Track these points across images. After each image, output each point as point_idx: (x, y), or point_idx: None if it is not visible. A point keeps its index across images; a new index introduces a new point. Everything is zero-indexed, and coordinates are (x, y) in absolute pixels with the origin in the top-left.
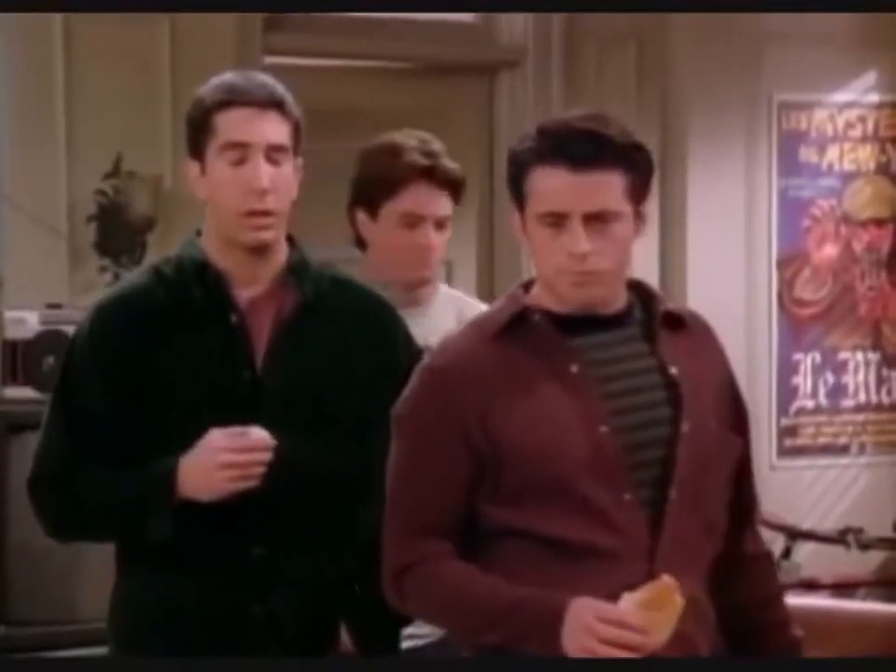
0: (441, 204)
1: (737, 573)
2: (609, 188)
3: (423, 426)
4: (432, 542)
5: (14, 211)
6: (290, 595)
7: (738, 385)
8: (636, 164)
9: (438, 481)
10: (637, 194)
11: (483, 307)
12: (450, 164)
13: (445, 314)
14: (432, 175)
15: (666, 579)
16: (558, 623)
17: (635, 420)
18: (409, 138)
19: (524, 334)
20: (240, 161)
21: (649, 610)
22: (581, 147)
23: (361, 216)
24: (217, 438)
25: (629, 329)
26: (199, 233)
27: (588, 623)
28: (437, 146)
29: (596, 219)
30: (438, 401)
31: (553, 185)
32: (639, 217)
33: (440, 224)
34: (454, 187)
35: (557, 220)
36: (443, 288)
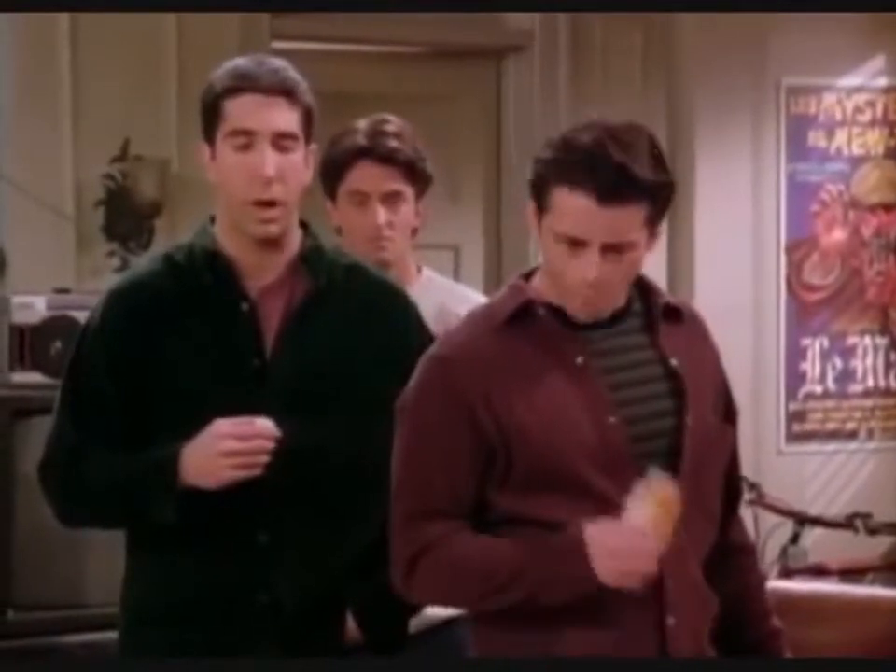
0: (386, 181)
1: (721, 563)
2: (631, 221)
3: (427, 415)
4: (440, 526)
5: (21, 196)
6: (295, 583)
7: (727, 377)
8: (660, 198)
9: (443, 468)
10: (656, 220)
11: (475, 297)
12: (393, 143)
13: (423, 302)
14: (371, 152)
15: (657, 480)
16: (584, 554)
17: (640, 411)
18: (362, 121)
19: (528, 326)
20: (245, 148)
21: (658, 514)
22: (609, 181)
23: (329, 205)
24: (221, 425)
25: (630, 321)
26: (213, 220)
27: (615, 545)
28: (390, 126)
29: (614, 249)
30: (441, 390)
31: (575, 211)
32: (653, 236)
33: (388, 200)
34: (399, 164)
35: (575, 243)
36: (428, 275)
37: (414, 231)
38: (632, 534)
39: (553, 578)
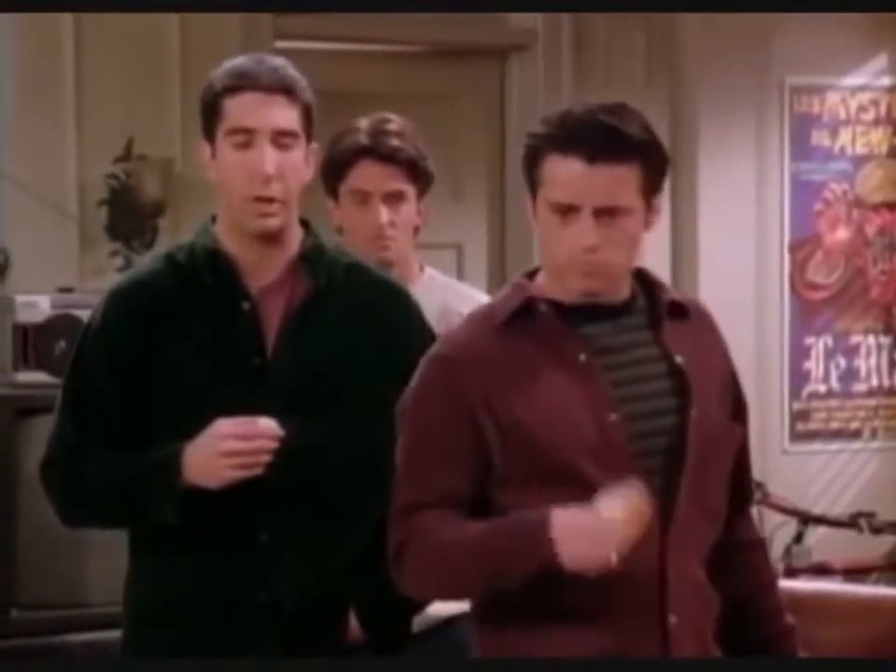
0: (388, 180)
1: (732, 560)
2: (622, 183)
3: (427, 415)
4: (428, 515)
5: (25, 195)
6: (295, 583)
7: (737, 375)
8: (651, 161)
9: (442, 468)
10: (651, 189)
11: (478, 297)
12: (395, 142)
13: (426, 301)
14: (373, 151)
15: (638, 497)
16: (547, 534)
17: (642, 408)
18: (363, 120)
19: (530, 324)
20: (245, 146)
21: (627, 522)
22: (599, 140)
23: (330, 204)
24: (222, 425)
25: (634, 317)
26: (214, 219)
27: (584, 530)
28: (391, 125)
29: (607, 213)
30: (441, 390)
31: (566, 175)
32: (651, 210)
33: (390, 199)
34: (401, 163)
35: (568, 210)
36: (431, 273)
37: (416, 230)
38: (597, 520)
39: (515, 554)
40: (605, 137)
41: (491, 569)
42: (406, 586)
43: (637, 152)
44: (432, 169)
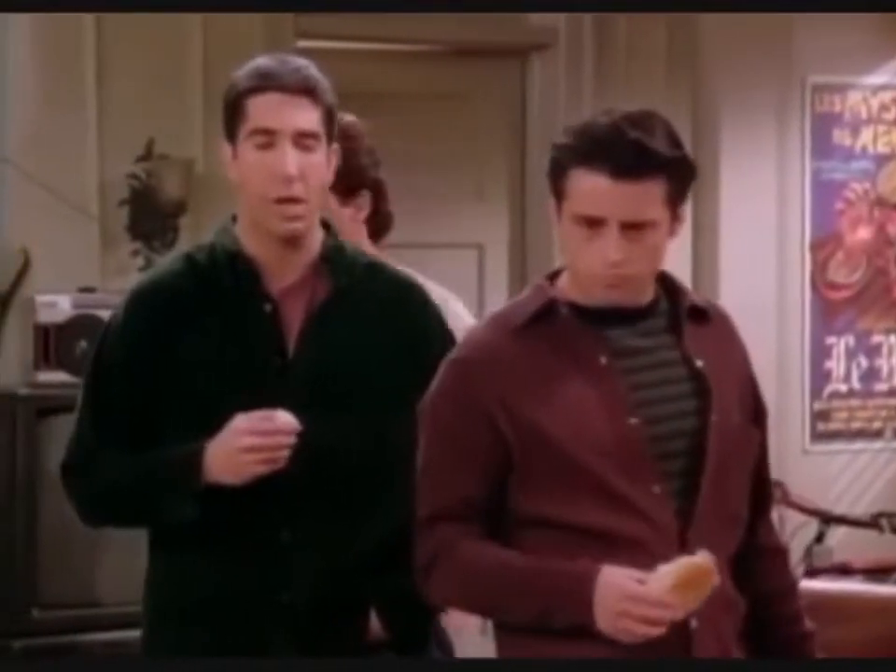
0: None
1: (751, 565)
2: (649, 198)
3: (445, 418)
4: (454, 530)
5: (46, 195)
6: (316, 582)
7: (756, 379)
8: (678, 174)
9: (461, 471)
10: (677, 200)
11: (464, 315)
12: None
13: None
14: None
15: (702, 559)
16: (588, 598)
17: (662, 411)
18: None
19: (550, 326)
20: (267, 147)
21: (684, 589)
22: (626, 156)
23: None
24: (241, 421)
25: (655, 321)
26: (234, 219)
27: (623, 608)
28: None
29: (634, 227)
30: (459, 392)
31: (592, 190)
32: (676, 219)
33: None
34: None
35: (593, 224)
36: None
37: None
38: (645, 604)
39: (554, 608)
40: (631, 153)
41: (536, 611)
42: (434, 599)
43: (662, 167)
44: (374, 173)
